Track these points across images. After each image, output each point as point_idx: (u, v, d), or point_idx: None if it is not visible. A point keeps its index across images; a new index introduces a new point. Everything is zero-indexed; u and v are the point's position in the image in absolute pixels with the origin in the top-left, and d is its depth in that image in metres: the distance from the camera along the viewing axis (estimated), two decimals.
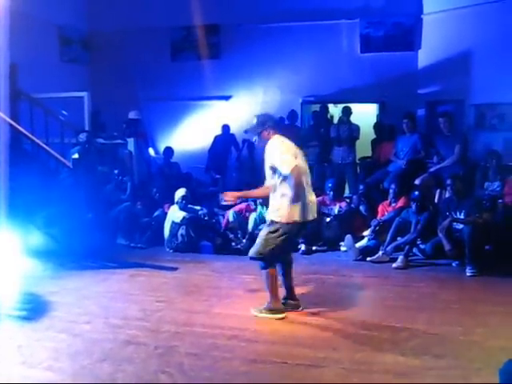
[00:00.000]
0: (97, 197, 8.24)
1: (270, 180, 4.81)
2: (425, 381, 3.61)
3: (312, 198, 4.85)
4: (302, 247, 7.45)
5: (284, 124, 9.52)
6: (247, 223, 7.78)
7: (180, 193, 7.72)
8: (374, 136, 9.61)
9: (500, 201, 7.13)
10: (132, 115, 9.86)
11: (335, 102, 10.12)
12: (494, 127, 8.87)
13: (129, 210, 8.13)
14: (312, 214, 4.81)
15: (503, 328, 4.52)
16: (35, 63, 8.91)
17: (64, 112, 8.63)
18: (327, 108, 9.94)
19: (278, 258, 4.89)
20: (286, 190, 4.66)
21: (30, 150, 7.85)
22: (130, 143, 9.34)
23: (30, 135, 7.39)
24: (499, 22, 8.54)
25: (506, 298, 5.48)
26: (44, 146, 7.47)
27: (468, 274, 6.27)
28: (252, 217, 7.76)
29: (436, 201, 7.75)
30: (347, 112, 9.26)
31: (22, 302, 5.31)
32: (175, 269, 6.70)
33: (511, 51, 8.33)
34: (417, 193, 7.14)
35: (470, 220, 6.50)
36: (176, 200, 7.72)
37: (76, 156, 7.28)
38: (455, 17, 9.08)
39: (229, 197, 5.23)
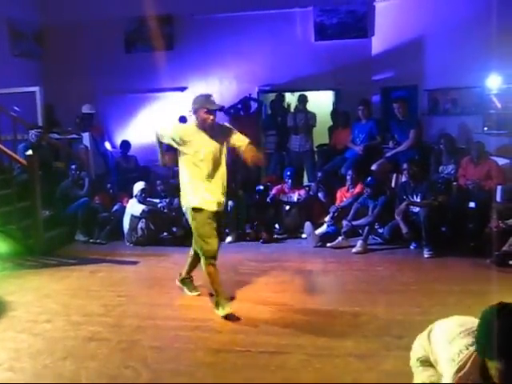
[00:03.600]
0: (53, 193, 8.13)
1: None
2: (386, 361, 3.69)
3: (210, 187, 4.63)
4: (263, 235, 7.49)
5: (237, 114, 9.53)
6: None
7: (138, 186, 7.67)
8: (330, 123, 9.69)
9: (454, 183, 7.29)
10: (86, 109, 9.69)
11: (291, 91, 10.15)
12: (448, 111, 9.02)
13: (87, 205, 8.02)
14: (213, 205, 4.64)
15: (460, 306, 4.63)
16: None
17: (16, 108, 8.43)
18: (283, 96, 9.97)
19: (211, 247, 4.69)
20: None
21: None
22: (86, 138, 9.19)
23: None
24: (451, 7, 8.67)
25: (462, 277, 5.64)
26: None
27: (425, 256, 6.42)
28: None
29: (393, 185, 7.89)
30: (303, 100, 9.31)
31: None
32: (136, 263, 6.67)
33: (463, 36, 8.47)
34: (370, 178, 7.27)
35: (426, 203, 6.66)
36: (135, 193, 7.66)
37: (30, 152, 7.12)
38: (407, 3, 9.19)
39: None
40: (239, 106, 9.62)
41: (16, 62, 9.88)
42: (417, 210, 6.68)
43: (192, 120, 4.78)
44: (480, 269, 5.86)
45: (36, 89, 8.98)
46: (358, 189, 7.57)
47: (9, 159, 7.50)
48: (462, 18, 8.53)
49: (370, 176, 7.37)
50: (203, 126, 4.62)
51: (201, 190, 4.58)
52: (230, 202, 7.56)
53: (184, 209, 4.78)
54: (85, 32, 10.23)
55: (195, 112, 4.64)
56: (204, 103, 4.63)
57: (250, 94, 9.76)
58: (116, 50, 10.44)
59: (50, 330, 4.51)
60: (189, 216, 4.68)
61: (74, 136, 9.33)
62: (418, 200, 6.76)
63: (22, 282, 5.90)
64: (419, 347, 2.73)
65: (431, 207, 6.59)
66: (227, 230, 7.54)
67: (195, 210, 4.59)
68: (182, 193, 4.74)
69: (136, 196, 7.64)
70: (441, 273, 5.90)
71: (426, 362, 2.67)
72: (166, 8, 9.89)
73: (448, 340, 2.37)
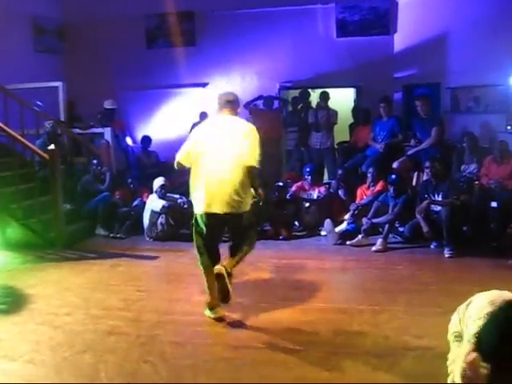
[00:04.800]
0: (75, 187, 8.20)
1: None
2: (405, 361, 3.66)
3: (212, 189, 4.31)
4: (282, 232, 7.48)
5: (260, 109, 9.52)
6: None
7: (159, 182, 7.70)
8: (351, 120, 9.64)
9: (476, 182, 7.21)
10: (108, 104, 9.75)
11: (312, 87, 10.11)
12: (470, 110, 8.95)
13: (107, 200, 8.08)
14: (215, 207, 4.34)
15: None
16: (8, 53, 8.78)
17: (39, 103, 8.51)
18: (308, 93, 9.92)
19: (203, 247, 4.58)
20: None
21: (5, 141, 7.76)
22: (107, 133, 9.26)
23: (5, 127, 7.28)
24: (474, 4, 8.60)
25: (483, 278, 5.55)
26: (19, 137, 7.37)
27: (446, 256, 6.36)
28: None
29: (414, 183, 7.83)
30: (325, 97, 9.28)
31: (1, 296, 5.28)
32: (155, 258, 6.70)
33: (485, 34, 8.39)
34: (394, 176, 7.20)
35: (448, 202, 6.58)
36: (155, 189, 7.70)
37: (52, 147, 7.18)
38: (430, 0, 9.12)
39: None
40: (259, 101, 9.60)
41: (39, 58, 9.98)
42: (438, 208, 6.61)
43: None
44: (501, 270, 5.78)
45: (59, 84, 9.05)
46: (378, 187, 7.52)
47: (31, 153, 7.58)
48: (485, 15, 8.44)
49: (392, 174, 7.30)
50: None
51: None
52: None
53: None
54: (107, 28, 10.30)
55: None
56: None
57: (276, 93, 9.74)
58: (138, 46, 10.51)
59: (70, 322, 4.54)
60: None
61: (96, 131, 9.39)
62: (440, 199, 6.70)
63: (42, 275, 5.96)
64: (456, 320, 2.64)
65: (453, 206, 6.52)
66: None
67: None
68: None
69: (156, 191, 7.67)
70: (461, 273, 5.84)
71: (460, 337, 2.58)
72: (187, 4, 9.93)
73: (476, 317, 2.29)
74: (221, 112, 4.60)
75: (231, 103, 4.58)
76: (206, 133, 4.51)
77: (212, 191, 4.30)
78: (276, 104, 9.81)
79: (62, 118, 9.00)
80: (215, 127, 4.54)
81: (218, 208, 4.30)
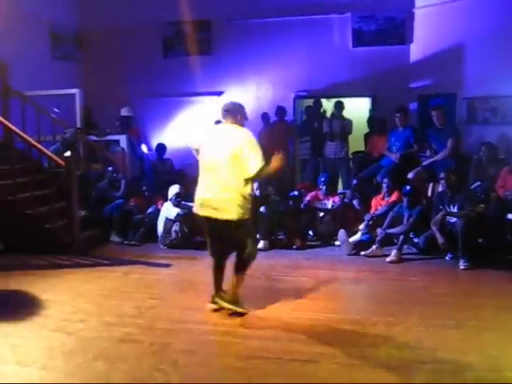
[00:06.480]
0: (90, 194, 8.24)
1: None
2: (419, 374, 3.62)
3: (204, 194, 4.63)
4: (296, 242, 7.47)
5: (270, 120, 9.56)
6: None
7: (173, 189, 7.72)
8: (366, 130, 9.61)
9: (493, 194, 7.14)
10: (124, 112, 9.83)
11: (328, 97, 10.12)
12: (487, 120, 8.87)
13: (122, 207, 8.12)
14: (202, 210, 4.64)
15: (495, 321, 4.54)
16: (26, 60, 8.86)
17: (56, 109, 8.58)
18: (321, 102, 9.93)
19: (210, 249, 4.89)
20: None
21: (22, 148, 7.82)
22: (123, 140, 9.31)
23: (22, 133, 7.34)
24: (490, 15, 8.54)
25: (499, 291, 5.50)
26: (36, 143, 7.43)
27: (461, 267, 6.30)
28: None
29: (429, 194, 7.78)
30: (339, 107, 9.27)
31: (15, 301, 5.31)
32: (169, 265, 6.71)
33: (502, 44, 8.33)
34: (408, 187, 7.16)
35: (463, 213, 6.52)
36: (169, 197, 7.72)
37: (68, 153, 7.23)
38: (446, 10, 9.08)
39: None
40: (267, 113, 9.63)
41: (56, 65, 10.09)
42: (453, 220, 6.55)
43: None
44: None
45: (76, 91, 9.12)
46: (393, 197, 7.48)
47: (48, 160, 7.64)
48: (503, 26, 8.38)
49: (407, 185, 7.26)
50: None
51: None
52: (262, 208, 7.57)
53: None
54: (123, 36, 10.39)
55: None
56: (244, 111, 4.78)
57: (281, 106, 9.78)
58: (154, 54, 10.60)
59: (83, 329, 4.55)
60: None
61: (111, 138, 9.45)
62: (455, 210, 6.64)
63: (56, 281, 5.99)
64: None
65: (468, 218, 6.46)
66: (258, 236, 7.56)
67: None
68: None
69: (171, 199, 7.69)
70: (476, 285, 5.77)
71: None
72: (203, 13, 10.00)
73: None
74: (223, 121, 4.78)
75: (228, 112, 4.72)
76: (206, 140, 4.74)
77: (204, 196, 4.61)
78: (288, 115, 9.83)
79: (79, 125, 9.06)
80: (213, 136, 4.76)
81: (207, 211, 4.58)
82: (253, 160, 4.42)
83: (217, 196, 4.53)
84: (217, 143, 4.61)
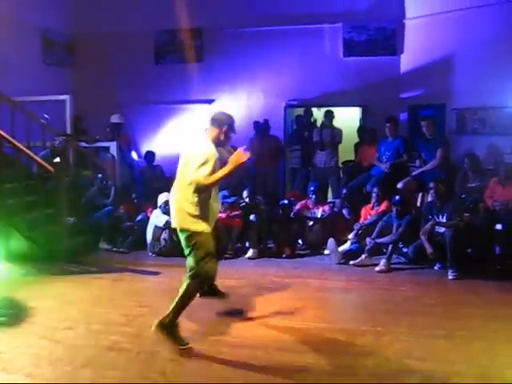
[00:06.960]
0: (79, 201, 8.20)
1: None
2: None
3: (171, 205, 4.58)
4: (286, 251, 7.47)
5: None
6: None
7: (162, 197, 7.68)
8: (357, 140, 9.64)
9: (481, 204, 7.18)
10: (115, 119, 9.80)
11: (318, 106, 10.13)
12: (476, 131, 8.92)
13: (111, 214, 8.09)
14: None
15: (484, 331, 4.56)
16: (18, 65, 8.83)
17: (46, 115, 8.54)
18: (311, 112, 9.95)
19: None
20: None
21: (11, 153, 7.78)
22: (113, 147, 9.28)
23: (11, 139, 7.31)
24: (480, 27, 8.62)
25: (487, 301, 5.53)
26: (25, 149, 7.39)
27: (450, 277, 6.32)
28: None
29: (418, 204, 7.80)
30: (329, 116, 9.28)
31: (2, 308, 5.26)
32: (158, 273, 6.68)
33: (492, 56, 8.40)
34: (398, 197, 7.18)
35: (452, 223, 6.56)
36: (159, 204, 7.70)
37: (57, 160, 7.20)
38: (437, 22, 9.15)
39: None
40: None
41: (47, 70, 10.05)
42: (442, 230, 6.58)
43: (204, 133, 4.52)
44: (506, 293, 5.76)
45: (66, 97, 9.08)
46: (382, 207, 7.50)
47: (37, 166, 7.59)
48: (492, 37, 8.46)
49: (397, 195, 7.28)
50: (222, 143, 4.48)
51: None
52: (251, 217, 7.57)
53: None
54: (115, 43, 10.37)
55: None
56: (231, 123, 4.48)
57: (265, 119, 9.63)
58: (145, 61, 10.58)
59: (71, 337, 4.52)
60: None
61: (101, 145, 9.41)
62: (444, 220, 6.67)
63: (44, 288, 5.95)
64: None
65: (457, 228, 6.49)
66: (247, 245, 7.56)
67: None
68: None
69: (160, 207, 7.67)
70: (465, 295, 5.79)
71: None
72: (195, 21, 9.98)
73: None
74: (206, 130, 4.54)
75: (215, 122, 4.43)
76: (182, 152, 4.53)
77: (171, 207, 4.54)
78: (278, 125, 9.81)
79: (69, 131, 9.02)
80: (185, 149, 4.51)
81: (173, 222, 4.50)
82: (200, 169, 4.15)
83: (172, 205, 4.53)
84: (182, 156, 4.45)
